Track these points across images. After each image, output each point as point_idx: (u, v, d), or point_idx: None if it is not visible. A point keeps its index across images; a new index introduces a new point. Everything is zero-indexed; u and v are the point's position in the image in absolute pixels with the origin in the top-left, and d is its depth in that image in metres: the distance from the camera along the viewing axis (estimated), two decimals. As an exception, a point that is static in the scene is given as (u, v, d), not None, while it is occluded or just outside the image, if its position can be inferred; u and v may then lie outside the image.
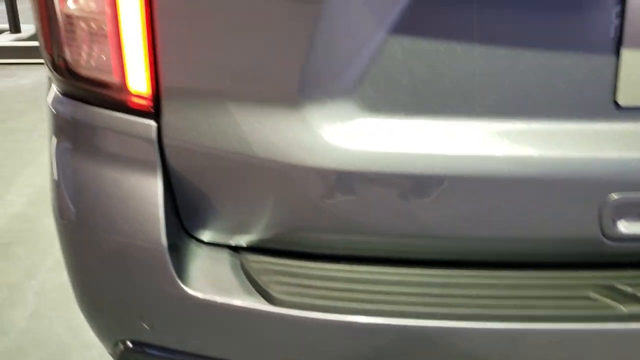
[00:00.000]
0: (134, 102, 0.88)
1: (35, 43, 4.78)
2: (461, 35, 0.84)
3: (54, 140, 0.95)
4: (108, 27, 0.86)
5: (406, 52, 0.83)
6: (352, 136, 0.84)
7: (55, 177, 0.94)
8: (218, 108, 0.85)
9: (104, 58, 0.88)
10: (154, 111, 0.87)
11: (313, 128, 0.84)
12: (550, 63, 0.84)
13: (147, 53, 0.85)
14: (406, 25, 0.82)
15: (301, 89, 0.83)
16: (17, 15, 5.00)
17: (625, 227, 0.87)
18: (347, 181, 0.85)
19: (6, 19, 5.02)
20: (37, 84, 4.30)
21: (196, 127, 0.87)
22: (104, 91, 0.89)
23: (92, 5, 0.86)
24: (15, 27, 4.96)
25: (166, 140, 0.88)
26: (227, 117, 0.86)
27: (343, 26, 0.81)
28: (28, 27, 5.11)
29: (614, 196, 0.85)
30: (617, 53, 0.84)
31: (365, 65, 0.83)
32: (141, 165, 0.89)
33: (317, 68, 0.83)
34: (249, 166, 0.87)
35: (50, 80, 0.99)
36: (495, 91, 0.85)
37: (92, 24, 0.87)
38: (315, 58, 0.82)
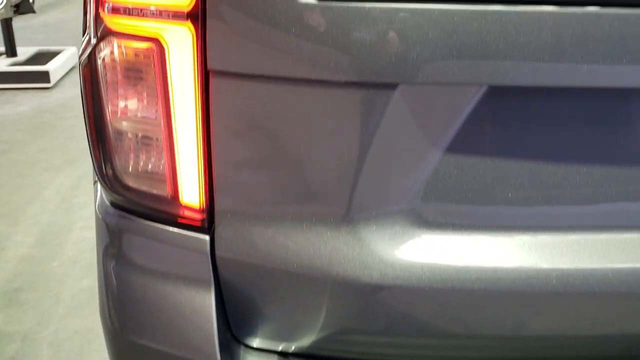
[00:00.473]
0: (186, 216, 0.88)
1: (33, 67, 4.76)
2: (513, 151, 0.85)
3: (103, 250, 0.95)
4: (162, 139, 0.86)
5: (460, 169, 0.84)
6: (406, 252, 0.85)
7: (105, 287, 0.94)
8: (271, 223, 0.86)
9: (157, 171, 0.88)
10: (207, 225, 0.88)
11: (367, 245, 0.85)
12: (599, 175, 0.86)
13: (201, 166, 0.86)
14: (461, 144, 0.83)
15: (355, 207, 0.84)
16: (13, 38, 4.96)
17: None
18: (402, 295, 0.86)
19: (1, 42, 4.98)
20: (36, 110, 4.27)
21: (249, 241, 0.87)
22: (156, 205, 0.89)
23: (145, 116, 0.86)
24: (11, 51, 4.92)
25: (219, 253, 0.88)
26: (280, 232, 0.86)
27: (398, 148, 0.82)
28: (25, 49, 5.07)
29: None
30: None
31: (420, 184, 0.84)
32: (193, 278, 0.89)
33: (371, 188, 0.84)
34: (303, 279, 0.87)
35: (96, 185, 0.99)
36: (548, 205, 0.86)
37: (145, 136, 0.87)
38: (370, 178, 0.83)
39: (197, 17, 0.78)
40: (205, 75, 0.81)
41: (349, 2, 0.75)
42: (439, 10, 0.74)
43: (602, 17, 0.75)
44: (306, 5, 0.75)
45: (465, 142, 0.83)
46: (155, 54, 0.81)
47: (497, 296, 0.86)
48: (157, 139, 0.86)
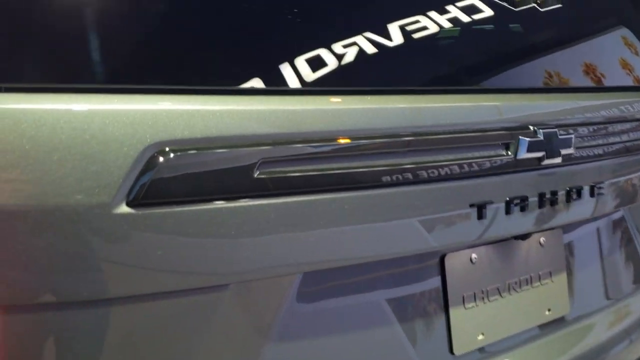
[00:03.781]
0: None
1: None
2: (334, 329, 0.92)
3: None
4: None
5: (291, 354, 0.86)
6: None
7: None
8: None
9: None
10: None
11: None
12: (400, 335, 0.98)
13: None
14: (288, 330, 0.87)
15: None
16: None
17: None
18: None
19: None
20: None
21: None
22: None
23: None
24: None
25: None
26: None
27: (230, 347, 0.80)
28: None
29: None
30: (447, 314, 1.01)
31: None
32: None
33: None
34: None
35: None
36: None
37: None
38: None
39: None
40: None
41: (168, 207, 0.71)
42: (257, 206, 0.76)
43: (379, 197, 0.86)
44: (122, 215, 0.68)
45: (291, 328, 0.85)
46: None
47: None
48: None
